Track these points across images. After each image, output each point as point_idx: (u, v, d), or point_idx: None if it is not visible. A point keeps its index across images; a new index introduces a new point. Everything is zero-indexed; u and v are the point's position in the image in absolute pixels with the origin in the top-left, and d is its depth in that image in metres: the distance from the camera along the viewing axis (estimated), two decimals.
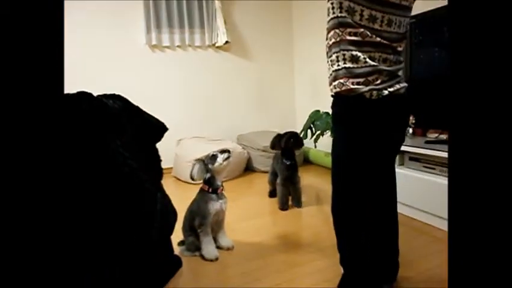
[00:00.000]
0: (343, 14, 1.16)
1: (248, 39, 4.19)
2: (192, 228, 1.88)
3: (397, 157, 2.31)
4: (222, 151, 1.89)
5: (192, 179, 1.84)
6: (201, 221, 1.82)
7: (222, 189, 1.90)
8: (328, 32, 1.24)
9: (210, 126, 4.05)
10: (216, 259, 1.82)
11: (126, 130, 1.39)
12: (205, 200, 1.84)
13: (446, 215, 1.97)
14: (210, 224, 1.85)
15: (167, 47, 3.78)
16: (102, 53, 3.54)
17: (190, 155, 3.29)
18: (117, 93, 1.55)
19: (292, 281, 1.61)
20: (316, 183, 3.28)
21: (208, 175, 1.85)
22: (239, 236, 2.10)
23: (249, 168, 3.76)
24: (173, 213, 1.70)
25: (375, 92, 1.19)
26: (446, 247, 1.85)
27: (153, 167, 1.58)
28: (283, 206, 2.56)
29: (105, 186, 1.25)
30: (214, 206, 1.83)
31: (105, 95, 1.44)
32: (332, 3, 1.19)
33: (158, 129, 1.63)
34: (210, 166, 1.85)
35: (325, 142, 3.42)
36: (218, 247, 1.91)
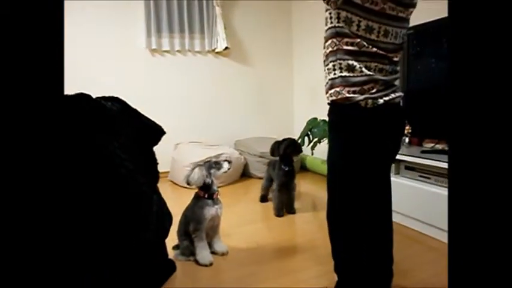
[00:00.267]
0: (340, 24, 1.19)
1: (247, 46, 4.23)
2: (187, 233, 1.87)
3: (393, 166, 2.32)
4: (226, 161, 1.95)
5: (188, 183, 1.84)
6: (196, 226, 1.82)
7: (218, 194, 1.91)
8: (326, 41, 1.26)
9: (208, 131, 4.06)
10: (211, 264, 1.81)
11: (124, 132, 1.40)
12: (200, 206, 1.83)
13: (441, 225, 1.99)
14: (205, 229, 1.84)
15: (167, 51, 3.80)
16: (101, 55, 3.56)
17: (187, 160, 3.29)
18: (115, 95, 1.56)
19: (286, 287, 1.60)
20: (312, 190, 3.29)
21: (209, 180, 1.85)
22: (234, 242, 2.09)
23: (245, 174, 3.76)
24: (169, 216, 1.70)
25: (370, 101, 1.20)
26: (441, 257, 1.86)
27: (150, 170, 1.58)
28: (279, 213, 2.56)
29: (102, 187, 1.25)
30: (210, 211, 1.83)
31: (103, 97, 1.45)
32: (330, 13, 1.21)
33: (156, 132, 1.63)
34: (212, 171, 1.86)
35: (322, 149, 3.42)
36: (213, 252, 1.91)
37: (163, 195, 1.71)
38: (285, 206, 2.61)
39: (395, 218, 1.59)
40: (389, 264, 1.44)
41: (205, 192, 1.86)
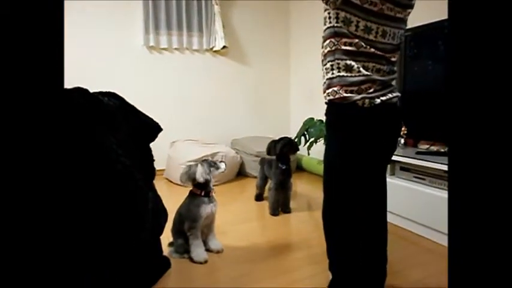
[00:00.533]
0: (339, 24, 1.19)
1: (245, 45, 4.23)
2: (181, 231, 1.87)
3: (388, 167, 2.34)
4: (221, 161, 1.98)
5: (188, 179, 1.85)
6: (192, 224, 1.82)
7: (213, 192, 1.91)
8: (324, 41, 1.27)
9: (204, 130, 4.06)
10: (205, 262, 1.81)
11: (121, 128, 1.39)
12: (196, 203, 1.83)
13: (435, 226, 2.01)
14: (200, 227, 1.84)
15: (165, 49, 3.79)
16: (99, 52, 3.54)
17: (184, 158, 3.29)
18: (112, 91, 1.55)
19: (282, 286, 1.61)
20: (308, 190, 3.30)
21: (209, 177, 1.87)
22: (229, 240, 2.10)
23: (241, 173, 3.77)
24: (164, 213, 1.69)
25: (367, 100, 1.21)
26: (435, 258, 1.87)
27: (146, 167, 1.58)
28: (274, 212, 2.56)
29: (98, 182, 1.25)
30: (206, 209, 1.83)
31: (101, 92, 1.45)
32: (329, 13, 1.22)
33: (153, 129, 1.63)
34: (212, 169, 1.88)
35: (318, 150, 3.44)
36: (208, 250, 1.91)
37: (159, 193, 1.70)
38: (281, 205, 2.62)
39: (390, 218, 1.60)
40: (383, 264, 1.45)
41: (202, 190, 1.86)
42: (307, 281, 1.65)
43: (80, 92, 1.27)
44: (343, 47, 1.20)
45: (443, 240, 1.98)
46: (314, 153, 3.55)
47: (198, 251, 1.82)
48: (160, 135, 1.69)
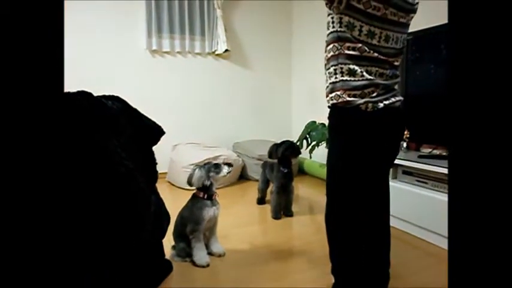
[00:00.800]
0: (342, 29, 1.20)
1: (247, 48, 4.24)
2: (183, 234, 1.87)
3: (391, 170, 2.33)
4: (226, 163, 1.94)
5: (190, 184, 1.85)
6: (194, 227, 1.82)
7: (216, 195, 1.91)
8: (327, 45, 1.27)
9: (206, 133, 4.06)
10: (208, 265, 1.81)
11: (124, 131, 1.40)
12: (199, 206, 1.83)
13: (438, 230, 2.00)
14: (202, 230, 1.84)
15: (167, 52, 3.81)
16: (102, 55, 3.56)
17: (186, 161, 3.29)
18: (115, 94, 1.56)
19: None
20: (310, 194, 3.29)
21: (208, 182, 1.86)
22: (231, 243, 2.09)
23: (243, 176, 3.76)
24: (166, 217, 1.70)
25: (370, 104, 1.21)
26: (437, 261, 1.86)
27: (149, 170, 1.58)
28: (276, 215, 2.56)
29: (101, 185, 1.25)
30: (209, 212, 1.83)
31: (104, 96, 1.45)
32: (332, 18, 1.23)
33: (155, 132, 1.64)
34: (212, 174, 1.86)
35: (320, 153, 3.44)
36: (210, 253, 1.91)
37: (161, 196, 1.71)
38: (283, 209, 2.62)
39: (392, 222, 1.60)
40: (386, 268, 1.45)
41: (205, 193, 1.86)
42: (309, 285, 1.64)
43: (84, 95, 1.28)
44: (347, 52, 1.21)
45: (446, 244, 1.98)
46: (316, 156, 3.55)
47: (200, 254, 1.82)
48: (162, 138, 1.70)
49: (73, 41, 3.36)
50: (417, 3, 1.28)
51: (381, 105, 1.22)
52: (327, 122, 1.38)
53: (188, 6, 3.78)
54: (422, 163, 2.12)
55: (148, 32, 3.63)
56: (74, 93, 1.27)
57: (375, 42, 1.19)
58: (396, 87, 1.31)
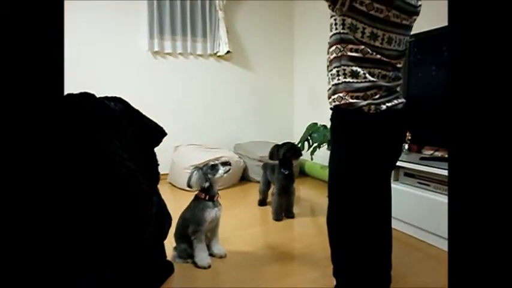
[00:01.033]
0: (345, 31, 1.20)
1: (249, 50, 4.25)
2: (184, 236, 1.87)
3: (392, 172, 2.33)
4: (223, 163, 1.91)
5: (190, 186, 1.85)
6: (196, 228, 1.82)
7: (218, 197, 1.91)
8: (330, 47, 1.27)
9: (208, 134, 4.07)
10: (209, 267, 1.81)
11: (126, 132, 1.40)
12: (201, 208, 1.83)
13: (440, 232, 2.00)
14: (204, 231, 1.84)
15: (169, 53, 3.81)
16: (104, 56, 3.57)
17: (187, 162, 3.30)
18: (117, 96, 1.56)
19: None
20: (311, 195, 3.29)
21: (207, 184, 1.85)
22: (232, 245, 2.09)
23: (244, 177, 3.76)
24: (168, 218, 1.70)
25: (373, 107, 1.21)
26: (439, 264, 1.86)
27: (151, 171, 1.59)
28: (278, 217, 2.56)
29: (103, 186, 1.25)
30: (211, 213, 1.83)
31: (106, 97, 1.46)
32: (335, 20, 1.23)
33: (157, 133, 1.64)
34: (210, 176, 1.86)
35: (322, 155, 3.44)
36: (211, 255, 1.90)
37: (162, 197, 1.71)
38: (284, 210, 2.61)
39: (394, 224, 1.60)
40: (387, 270, 1.44)
41: (206, 194, 1.86)
42: (310, 286, 1.64)
43: (86, 96, 1.29)
44: (349, 53, 1.21)
45: (447, 246, 1.97)
46: (317, 158, 3.55)
47: (202, 255, 1.82)
48: (164, 139, 1.70)
49: (74, 42, 3.37)
50: (420, 5, 1.28)
51: (384, 107, 1.22)
52: (328, 124, 1.38)
53: (190, 7, 3.79)
54: (424, 165, 2.12)
55: (150, 33, 3.64)
56: (76, 94, 1.28)
57: (377, 44, 1.19)
58: (398, 89, 1.31)
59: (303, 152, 2.83)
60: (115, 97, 1.52)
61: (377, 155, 1.29)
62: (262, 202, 2.92)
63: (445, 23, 2.03)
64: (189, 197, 1.96)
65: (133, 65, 3.69)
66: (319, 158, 3.55)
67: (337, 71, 1.25)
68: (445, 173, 1.97)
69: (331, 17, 1.24)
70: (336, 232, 1.38)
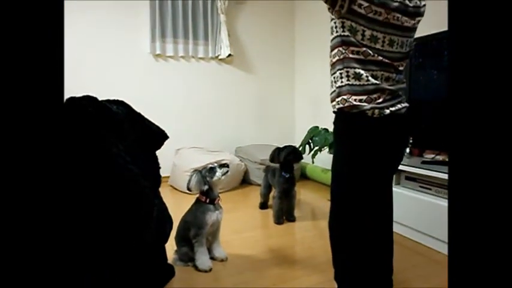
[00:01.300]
0: (346, 33, 1.20)
1: (251, 53, 4.26)
2: (185, 239, 1.87)
3: (394, 176, 2.33)
4: (221, 165, 1.90)
5: (189, 190, 1.85)
6: (197, 231, 1.81)
7: (219, 200, 1.91)
8: (332, 50, 1.27)
9: (209, 137, 4.07)
10: (210, 270, 1.81)
11: (129, 135, 1.41)
12: (202, 211, 1.83)
13: (441, 236, 1.99)
14: (205, 234, 1.84)
15: (171, 56, 3.83)
16: (105, 59, 3.58)
17: (188, 165, 3.30)
18: (120, 99, 1.57)
19: None
20: (312, 199, 3.29)
21: (206, 187, 1.85)
22: (233, 248, 2.09)
23: (245, 180, 3.76)
24: (169, 221, 1.70)
25: (376, 111, 1.21)
26: (440, 269, 1.85)
27: (152, 174, 1.59)
28: (279, 220, 2.55)
29: (105, 188, 1.26)
30: (212, 216, 1.83)
31: (108, 100, 1.46)
32: (335, 23, 1.23)
33: (159, 136, 1.64)
34: (208, 179, 1.86)
35: (323, 158, 3.44)
36: (212, 258, 1.90)
37: (164, 200, 1.71)
38: (285, 214, 2.61)
39: (395, 228, 1.60)
40: (389, 274, 1.44)
41: (207, 197, 1.86)
42: None
43: (89, 100, 1.29)
44: (351, 56, 1.20)
45: None
46: (318, 161, 3.54)
47: (203, 259, 1.82)
48: (165, 142, 1.70)
49: (76, 44, 3.39)
50: (424, 5, 1.26)
51: (387, 111, 1.22)
52: (329, 127, 1.38)
53: (192, 10, 3.81)
54: (426, 169, 2.12)
55: (152, 36, 3.66)
56: (79, 97, 1.28)
57: (378, 46, 1.19)
58: (401, 92, 1.30)
59: (304, 156, 2.83)
60: (117, 100, 1.52)
61: (380, 159, 1.28)
62: (263, 205, 2.91)
63: (446, 27, 2.03)
64: (190, 200, 1.96)
65: (135, 67, 3.71)
66: (320, 161, 3.55)
67: (340, 74, 1.24)
68: (447, 176, 1.97)
69: (331, 20, 1.24)
70: (337, 236, 1.38)
